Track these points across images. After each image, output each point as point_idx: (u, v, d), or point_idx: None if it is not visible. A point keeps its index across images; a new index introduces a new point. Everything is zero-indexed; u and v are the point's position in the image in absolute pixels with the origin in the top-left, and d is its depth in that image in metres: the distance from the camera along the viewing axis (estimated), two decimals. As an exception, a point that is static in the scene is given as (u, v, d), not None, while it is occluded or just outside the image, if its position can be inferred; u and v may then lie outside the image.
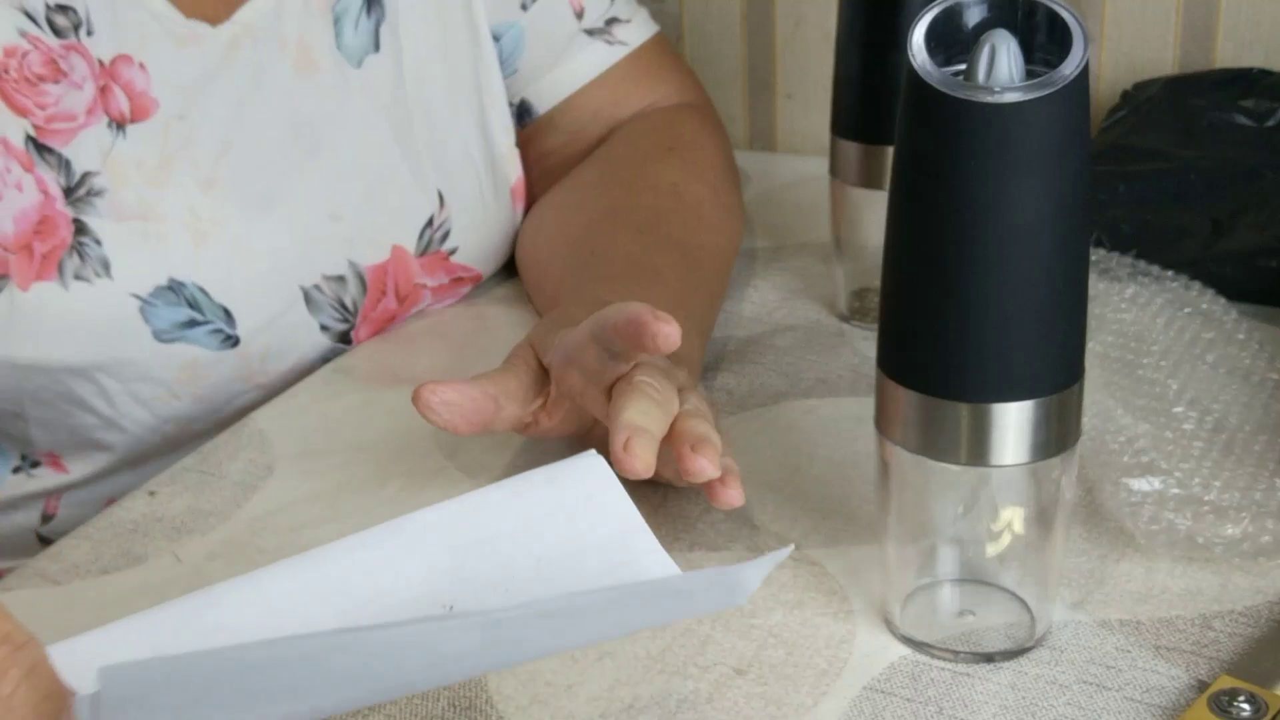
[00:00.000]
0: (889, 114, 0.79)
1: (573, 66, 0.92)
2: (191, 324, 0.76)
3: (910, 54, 0.49)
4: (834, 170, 0.83)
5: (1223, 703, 0.51)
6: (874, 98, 0.80)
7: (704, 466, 0.58)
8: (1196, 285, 0.80)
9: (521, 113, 0.93)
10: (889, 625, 0.58)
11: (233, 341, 0.78)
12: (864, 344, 0.82)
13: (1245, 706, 0.51)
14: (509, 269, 0.94)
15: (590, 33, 0.92)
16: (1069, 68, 0.48)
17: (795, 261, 0.94)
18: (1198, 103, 0.98)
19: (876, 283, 0.62)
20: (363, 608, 0.40)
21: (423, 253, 0.85)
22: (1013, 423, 0.51)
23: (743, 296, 0.89)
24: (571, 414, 0.68)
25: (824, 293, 0.88)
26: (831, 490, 0.68)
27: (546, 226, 0.90)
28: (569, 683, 0.56)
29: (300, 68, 0.80)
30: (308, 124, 0.81)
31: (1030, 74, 0.49)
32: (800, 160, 1.15)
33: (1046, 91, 0.47)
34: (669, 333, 0.59)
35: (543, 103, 0.93)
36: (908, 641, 0.57)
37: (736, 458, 0.71)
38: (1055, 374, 0.51)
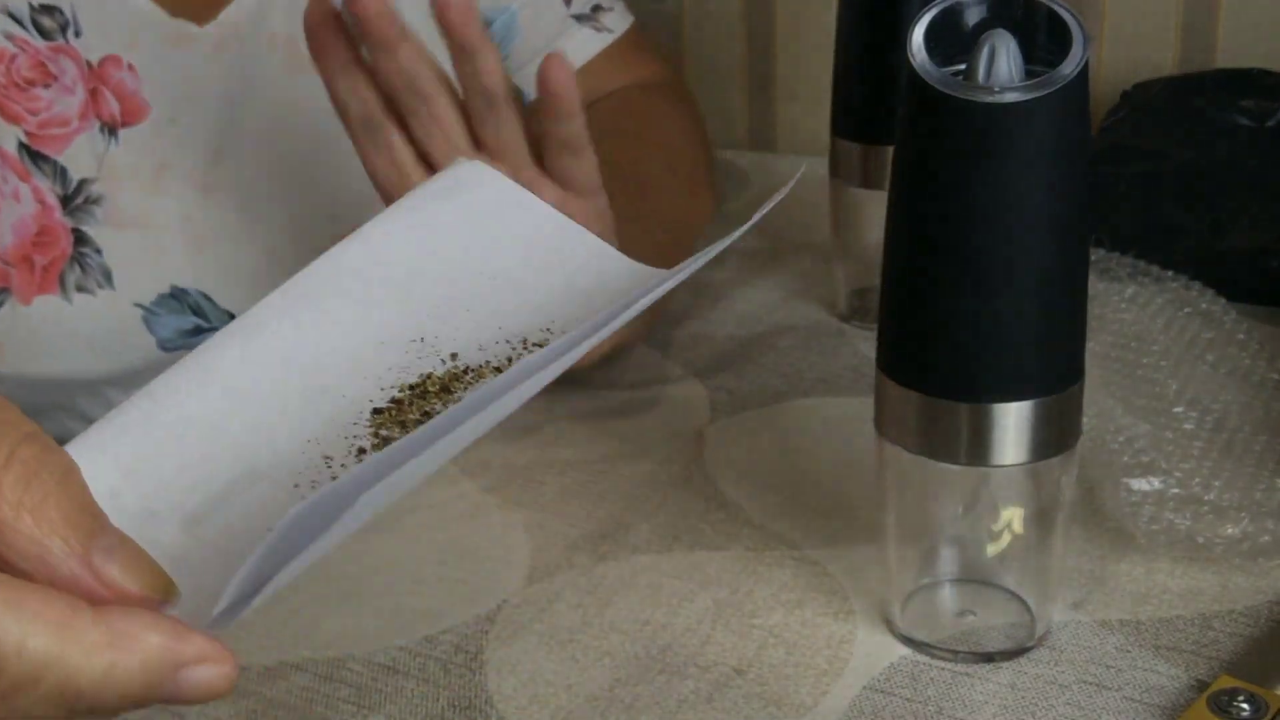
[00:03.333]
0: (889, 114, 0.80)
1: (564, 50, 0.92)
2: (197, 331, 0.76)
3: (910, 54, 0.49)
4: (834, 170, 0.83)
5: (1222, 702, 0.51)
6: (874, 98, 0.80)
7: None
8: (1196, 285, 0.80)
9: None
10: (889, 625, 0.58)
11: None
12: (864, 344, 0.82)
13: (1245, 706, 0.50)
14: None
15: (578, 18, 0.93)
16: (1069, 67, 0.48)
17: (795, 261, 0.94)
18: (1198, 103, 0.98)
19: (876, 283, 0.62)
20: (328, 368, 0.38)
21: None
22: (1013, 423, 0.51)
23: (743, 296, 0.89)
24: None
25: (824, 293, 0.88)
26: (831, 490, 0.68)
27: None
28: (569, 682, 0.56)
29: (290, 66, 0.80)
30: (301, 123, 0.80)
31: (1030, 74, 0.49)
32: (800, 160, 1.15)
33: (1046, 91, 0.47)
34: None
35: (533, 88, 0.93)
36: (908, 641, 0.57)
37: (736, 458, 0.71)
38: (1055, 374, 0.51)
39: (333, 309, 0.39)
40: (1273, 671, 0.53)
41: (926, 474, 0.54)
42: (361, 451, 0.35)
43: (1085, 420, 0.69)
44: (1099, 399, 0.70)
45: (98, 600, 0.32)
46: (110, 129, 0.74)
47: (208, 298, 0.75)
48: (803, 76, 1.18)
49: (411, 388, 0.38)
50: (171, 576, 0.33)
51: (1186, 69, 1.05)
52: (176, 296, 0.75)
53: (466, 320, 0.39)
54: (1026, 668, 0.55)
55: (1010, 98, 0.47)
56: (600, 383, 0.79)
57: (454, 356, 0.39)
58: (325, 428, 0.36)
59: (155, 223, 0.74)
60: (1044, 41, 0.49)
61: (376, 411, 0.37)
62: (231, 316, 0.76)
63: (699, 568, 0.63)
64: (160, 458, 0.35)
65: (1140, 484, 0.63)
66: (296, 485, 0.33)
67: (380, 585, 0.63)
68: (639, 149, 0.86)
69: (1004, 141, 0.48)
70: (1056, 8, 0.49)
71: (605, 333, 0.37)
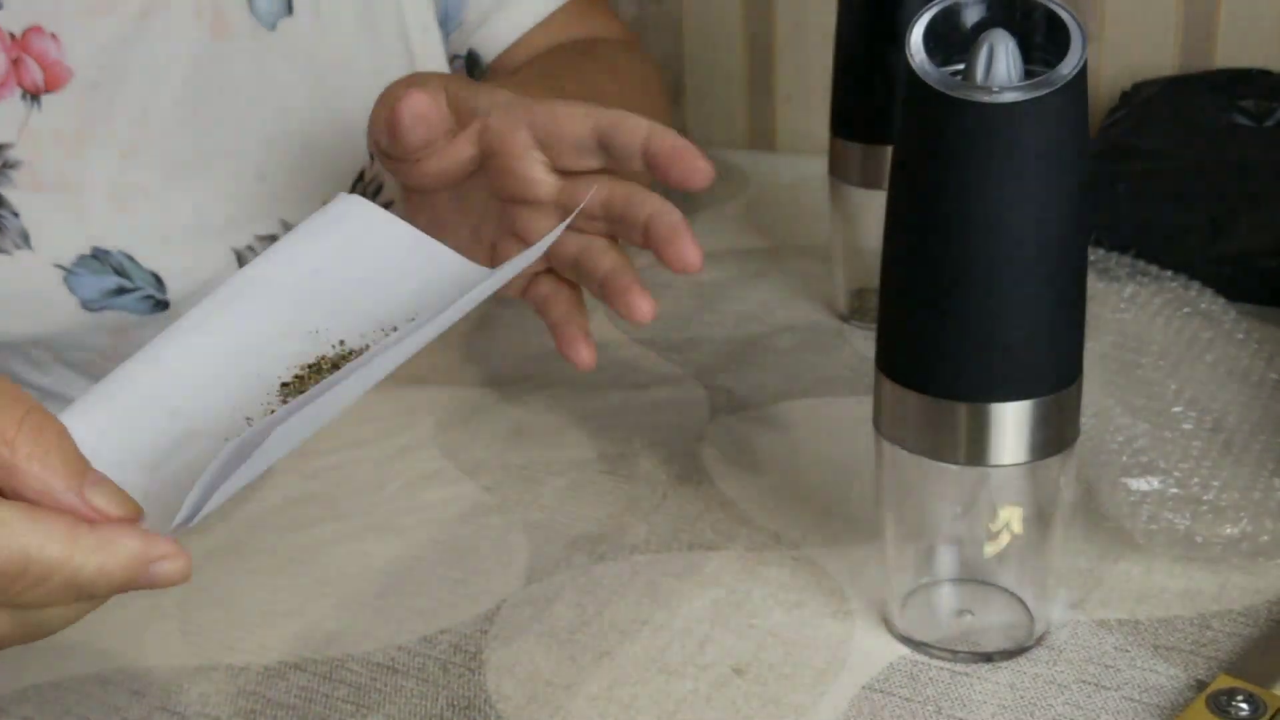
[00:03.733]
0: (889, 114, 0.80)
1: (514, 13, 0.92)
2: (120, 291, 0.76)
3: (909, 54, 0.49)
4: (834, 170, 0.83)
5: (1221, 702, 0.51)
6: (874, 98, 0.80)
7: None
8: (1195, 285, 0.80)
9: (470, 64, 0.93)
10: (888, 625, 0.58)
11: (162, 306, 0.77)
12: (863, 344, 0.82)
13: (1244, 706, 0.51)
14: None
15: None
16: (1067, 67, 0.48)
17: (795, 261, 0.94)
18: (1198, 103, 0.98)
19: (876, 283, 0.62)
20: (248, 355, 0.50)
21: None
22: (1011, 422, 0.51)
23: (743, 296, 0.89)
24: (457, 166, 0.66)
25: (824, 293, 0.88)
26: (831, 490, 0.68)
27: None
28: (568, 682, 0.56)
29: (216, 33, 0.80)
30: (228, 87, 0.80)
31: (1029, 73, 0.49)
32: (800, 160, 1.15)
33: (1045, 91, 0.47)
34: (705, 170, 0.60)
35: (488, 50, 0.92)
36: (907, 641, 0.57)
37: (736, 458, 0.71)
38: (1054, 374, 0.51)
39: (249, 311, 0.51)
40: (1271, 671, 0.53)
41: (925, 473, 0.54)
42: (272, 412, 0.47)
43: (1084, 420, 0.69)
44: (1098, 399, 0.70)
45: (88, 521, 0.44)
46: (33, 95, 0.74)
47: (130, 258, 0.75)
48: (803, 76, 1.18)
49: (309, 366, 0.50)
50: (138, 504, 0.45)
51: (1186, 69, 1.05)
52: (98, 257, 0.75)
53: (349, 316, 0.51)
54: (1025, 667, 0.55)
55: (1009, 98, 0.47)
56: (600, 383, 0.79)
57: (341, 343, 0.51)
58: (246, 398, 0.49)
59: (76, 185, 0.74)
60: (1043, 41, 0.49)
61: (284, 385, 0.50)
62: (156, 277, 0.77)
63: (698, 567, 0.63)
64: (125, 423, 0.48)
65: (1139, 484, 0.63)
66: (226, 439, 0.44)
67: (380, 585, 0.63)
68: (600, 82, 0.85)
69: (1002, 141, 0.48)
70: (1055, 8, 0.49)
71: (451, 317, 0.50)
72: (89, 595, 0.45)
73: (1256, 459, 0.65)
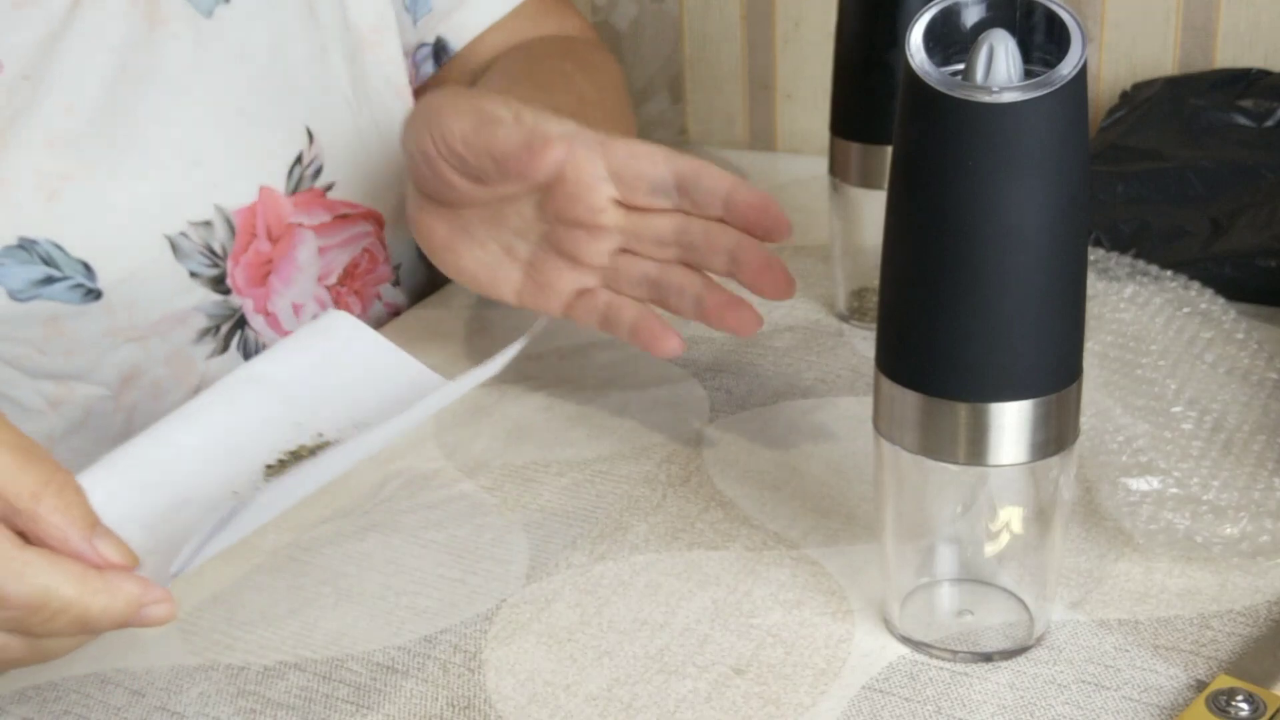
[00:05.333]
0: (889, 114, 0.80)
1: (485, 2, 0.93)
2: (49, 280, 0.75)
3: (908, 54, 0.49)
4: (834, 170, 0.83)
5: (1221, 702, 0.51)
6: (874, 98, 0.80)
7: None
8: (1195, 285, 0.80)
9: (438, 51, 0.94)
10: (888, 625, 0.58)
11: (94, 295, 0.77)
12: (863, 344, 0.82)
13: (1244, 706, 0.51)
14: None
15: None
16: (1067, 67, 0.48)
17: (795, 261, 0.94)
18: (1197, 103, 0.98)
19: (876, 283, 0.62)
20: (237, 440, 0.59)
21: (293, 191, 0.84)
22: (1011, 422, 0.51)
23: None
24: (524, 190, 0.70)
25: (823, 293, 0.88)
26: (831, 490, 0.68)
27: None
28: (568, 682, 0.56)
29: (149, 21, 0.79)
30: (161, 75, 0.80)
31: (1028, 74, 0.49)
32: (800, 160, 1.15)
33: (1044, 91, 0.47)
34: (788, 226, 0.67)
35: (457, 38, 0.94)
36: (906, 641, 0.57)
37: (735, 457, 0.71)
38: (1054, 373, 0.51)
39: (243, 404, 0.60)
40: (1271, 671, 0.53)
41: (925, 473, 0.54)
42: (257, 489, 0.55)
43: (1084, 420, 0.69)
44: (1098, 399, 0.70)
45: (96, 566, 0.51)
46: None
47: (59, 247, 0.75)
48: (803, 76, 1.18)
49: (290, 453, 0.59)
50: (137, 555, 0.53)
51: (1186, 69, 1.05)
52: (25, 247, 0.74)
53: (329, 413, 0.60)
54: (1025, 667, 0.55)
55: (1008, 98, 0.47)
56: (600, 383, 0.79)
57: (320, 435, 0.60)
58: (235, 475, 0.58)
59: (3, 175, 0.74)
60: (1042, 41, 0.49)
61: (268, 467, 0.58)
62: (85, 265, 0.76)
63: (697, 567, 0.63)
64: (130, 489, 0.56)
65: (1139, 484, 0.63)
66: (215, 508, 0.53)
67: (380, 585, 0.63)
68: (584, 88, 0.87)
69: (1002, 141, 0.48)
70: (1055, 8, 0.49)
71: (411, 419, 0.58)
72: (91, 629, 0.52)
73: (1256, 459, 0.65)
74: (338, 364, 0.63)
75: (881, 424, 0.54)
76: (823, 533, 0.64)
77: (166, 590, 0.52)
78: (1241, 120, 0.96)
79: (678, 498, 0.68)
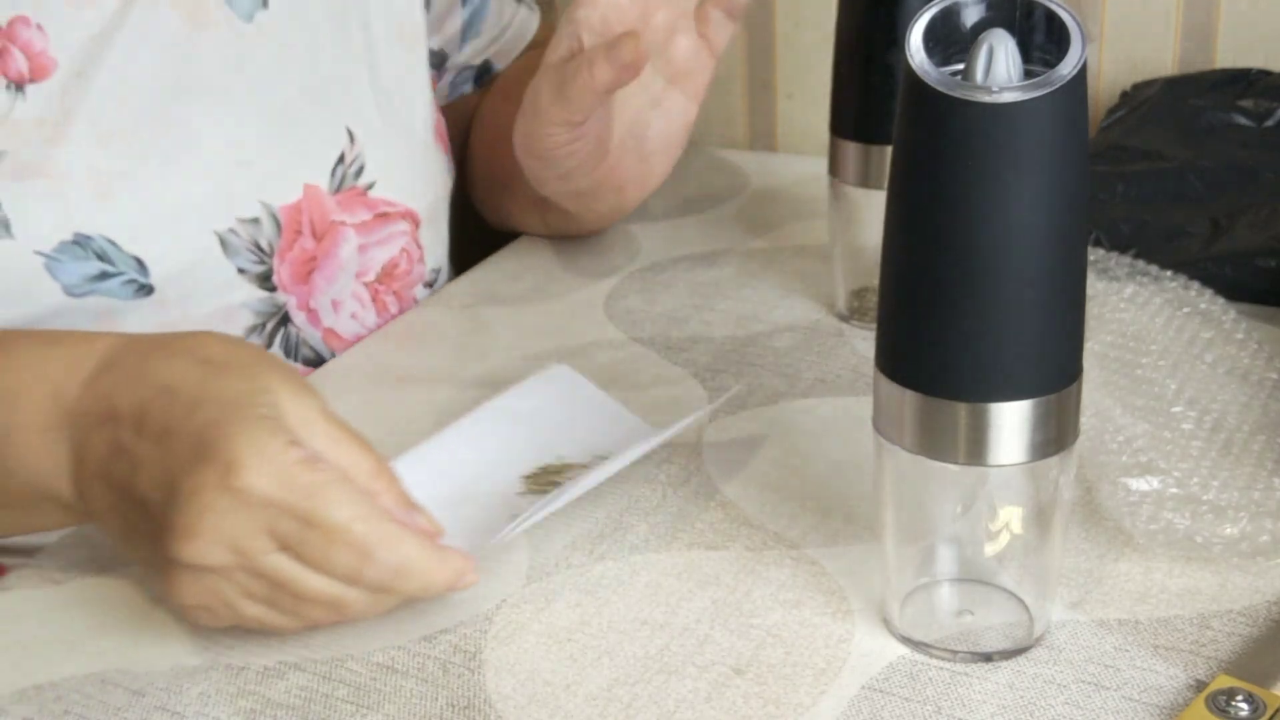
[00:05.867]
0: (889, 114, 0.79)
1: (525, 26, 1.03)
2: (103, 276, 0.76)
3: (909, 54, 0.49)
4: (834, 170, 0.83)
5: (1221, 702, 0.51)
6: (874, 98, 0.80)
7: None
8: (1195, 285, 0.80)
9: (481, 74, 1.02)
10: (888, 625, 0.58)
11: (147, 290, 0.77)
12: (863, 344, 0.82)
13: (1243, 706, 0.51)
14: (505, 271, 0.94)
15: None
16: (1067, 67, 0.48)
17: (795, 261, 0.94)
18: (1197, 103, 0.98)
19: (875, 282, 0.62)
20: (501, 456, 0.70)
21: (337, 189, 0.86)
22: (1011, 422, 0.51)
23: (742, 296, 0.89)
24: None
25: (823, 293, 0.88)
26: (831, 490, 0.68)
27: (477, 148, 1.02)
28: (568, 682, 0.56)
29: (194, 23, 0.81)
30: (207, 76, 0.81)
31: (1028, 74, 0.49)
32: (800, 160, 1.15)
33: (1044, 91, 0.47)
34: None
35: (501, 60, 1.02)
36: (906, 641, 0.57)
37: (735, 457, 0.71)
38: (1053, 374, 0.51)
39: (491, 428, 0.72)
40: (1271, 671, 0.53)
41: (925, 473, 0.54)
42: (520, 494, 0.67)
43: (1084, 420, 0.69)
44: (1097, 399, 0.70)
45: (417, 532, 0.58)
46: (17, 85, 0.74)
47: (113, 243, 0.76)
48: (803, 76, 1.18)
49: (541, 467, 0.69)
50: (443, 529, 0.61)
51: (1186, 69, 1.05)
52: (80, 243, 0.75)
53: (565, 440, 0.71)
54: (1025, 667, 0.55)
55: (1008, 98, 0.47)
56: (600, 383, 0.79)
57: (560, 457, 0.70)
58: (499, 481, 0.68)
59: (58, 172, 0.75)
60: (1042, 41, 0.49)
61: (525, 476, 0.68)
62: (138, 261, 0.77)
63: (697, 567, 0.63)
64: (429, 480, 0.64)
65: (1139, 484, 0.63)
66: (485, 507, 0.66)
67: (379, 585, 0.63)
68: None
69: (1002, 141, 0.48)
70: (1055, 8, 0.49)
71: (632, 456, 0.67)
72: (413, 596, 0.58)
73: (1256, 459, 0.65)
74: (566, 403, 0.73)
75: (881, 424, 0.54)
76: (823, 533, 0.64)
77: (473, 560, 0.58)
78: (1241, 120, 0.96)
79: (678, 498, 0.68)
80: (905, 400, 0.52)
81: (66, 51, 0.76)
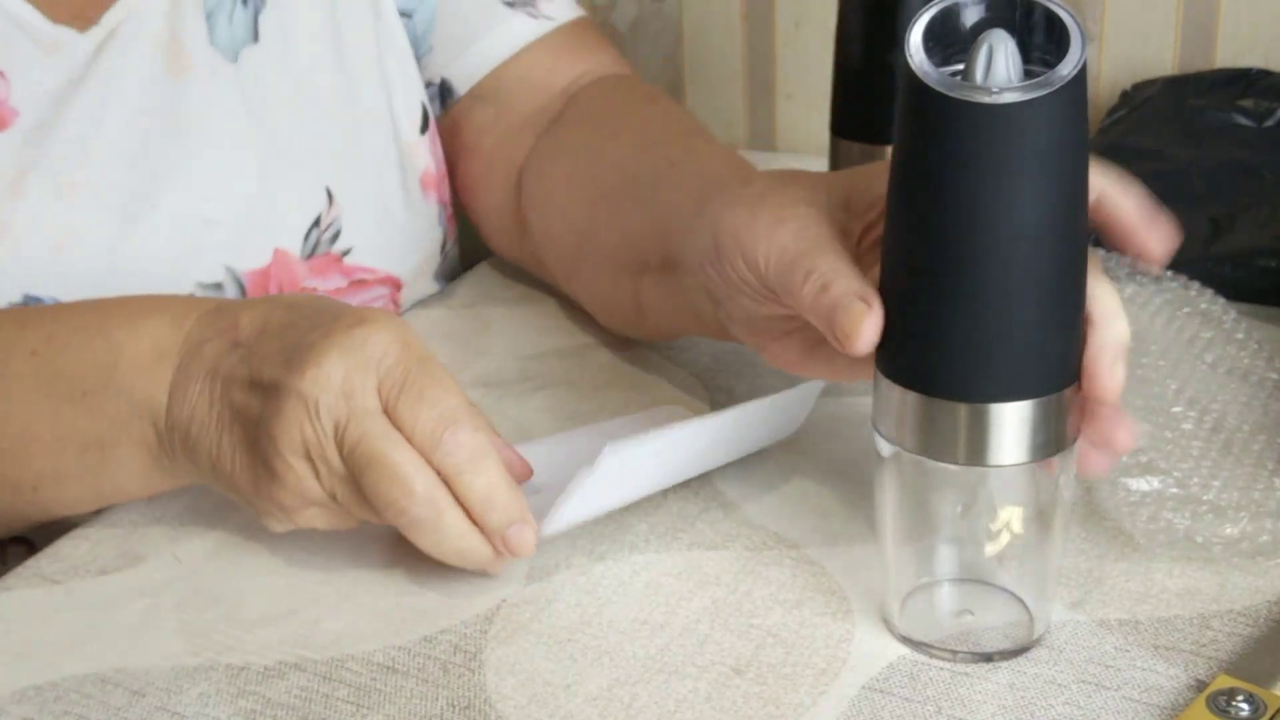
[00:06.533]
0: (889, 114, 0.79)
1: (495, 39, 0.88)
2: None
3: (908, 54, 0.49)
4: (834, 170, 0.83)
5: (1221, 702, 0.51)
6: (874, 98, 0.80)
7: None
8: (1196, 285, 0.80)
9: (443, 94, 0.89)
10: (887, 625, 0.58)
11: None
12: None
13: (1244, 706, 0.51)
14: (505, 270, 0.94)
15: (510, 4, 0.88)
16: (1067, 68, 0.48)
17: (795, 261, 0.94)
18: (1197, 103, 0.98)
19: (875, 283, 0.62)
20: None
21: (310, 255, 0.81)
22: (1011, 422, 0.51)
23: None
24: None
25: (823, 293, 0.88)
26: (831, 490, 0.68)
27: (558, 198, 0.83)
28: (568, 682, 0.56)
29: (171, 69, 0.77)
30: (179, 127, 0.77)
31: (1028, 74, 0.49)
32: (800, 160, 1.15)
33: (1044, 92, 0.47)
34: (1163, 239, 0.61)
35: (465, 80, 0.88)
36: (906, 641, 0.57)
37: (736, 458, 0.71)
38: (1053, 373, 0.51)
39: (591, 442, 0.65)
40: (1271, 671, 0.53)
41: (925, 474, 0.54)
42: (610, 449, 0.61)
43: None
44: (1098, 399, 0.70)
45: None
46: None
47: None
48: (803, 76, 1.18)
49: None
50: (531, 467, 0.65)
51: (1186, 69, 1.05)
52: (29, 305, 0.71)
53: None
54: (1025, 667, 0.55)
55: (1008, 98, 0.47)
56: (600, 383, 0.79)
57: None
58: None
59: (11, 230, 0.71)
60: (1042, 42, 0.49)
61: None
62: None
63: (697, 567, 0.63)
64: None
65: (1139, 484, 0.63)
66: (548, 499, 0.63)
67: (380, 585, 0.63)
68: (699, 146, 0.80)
69: (1002, 141, 0.48)
70: (1055, 8, 0.49)
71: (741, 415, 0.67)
72: (474, 486, 0.59)
73: (1256, 459, 0.65)
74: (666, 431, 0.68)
75: (881, 424, 0.54)
76: (823, 533, 0.64)
77: (533, 526, 0.60)
78: (1241, 120, 0.96)
79: (678, 498, 0.68)
80: (905, 400, 0.52)
81: (29, 103, 0.72)
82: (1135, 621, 0.57)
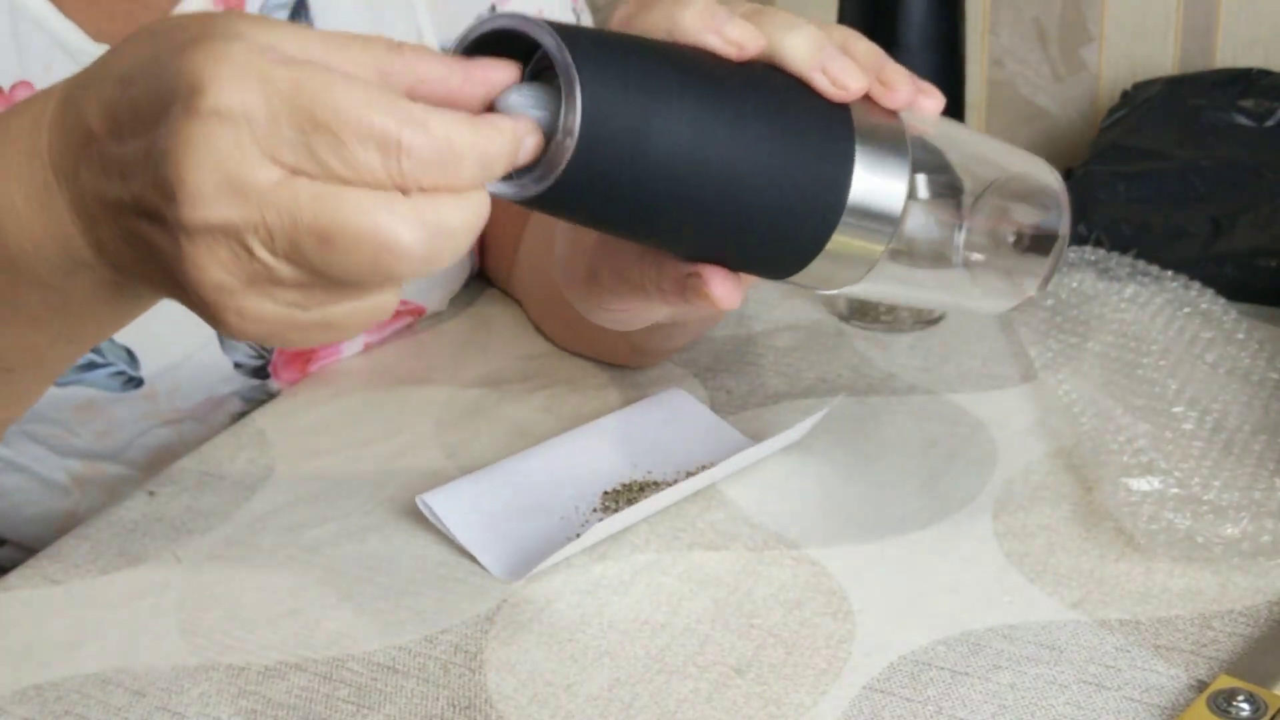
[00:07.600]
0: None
1: None
2: (90, 366, 0.74)
3: None
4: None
5: (1222, 703, 0.51)
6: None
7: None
8: (1196, 285, 0.80)
9: None
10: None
11: (136, 383, 0.75)
12: (863, 344, 0.82)
13: (1244, 706, 0.51)
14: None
15: None
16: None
17: (795, 261, 0.94)
18: (1197, 103, 0.98)
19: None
20: (584, 470, 0.70)
21: None
22: (845, 243, 0.54)
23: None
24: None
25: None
26: (831, 490, 0.68)
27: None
28: (568, 682, 0.56)
29: None
30: None
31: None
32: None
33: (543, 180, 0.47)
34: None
35: None
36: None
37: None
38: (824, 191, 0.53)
39: (583, 445, 0.72)
40: (1272, 671, 0.53)
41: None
42: (594, 510, 0.67)
43: (1085, 420, 0.69)
44: (1099, 399, 0.70)
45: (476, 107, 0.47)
46: None
47: None
48: (803, 76, 1.18)
49: (624, 484, 0.68)
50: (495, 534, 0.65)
51: (1186, 69, 1.05)
52: None
53: (657, 459, 0.71)
54: (1025, 667, 0.55)
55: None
56: (600, 383, 0.79)
57: (649, 473, 0.70)
58: (578, 495, 0.68)
59: None
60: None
61: (605, 493, 0.68)
62: (129, 352, 0.75)
63: (698, 567, 0.63)
64: (495, 494, 0.68)
65: (1140, 484, 0.63)
66: (562, 517, 0.67)
67: (380, 585, 0.63)
68: None
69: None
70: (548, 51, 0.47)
71: (726, 470, 0.68)
72: (475, 179, 0.45)
73: (1257, 459, 0.65)
74: (669, 424, 0.73)
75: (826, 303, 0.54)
76: (823, 533, 0.64)
77: (528, 123, 0.47)
78: (1242, 120, 0.96)
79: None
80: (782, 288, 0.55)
81: None
82: (1136, 621, 0.57)
